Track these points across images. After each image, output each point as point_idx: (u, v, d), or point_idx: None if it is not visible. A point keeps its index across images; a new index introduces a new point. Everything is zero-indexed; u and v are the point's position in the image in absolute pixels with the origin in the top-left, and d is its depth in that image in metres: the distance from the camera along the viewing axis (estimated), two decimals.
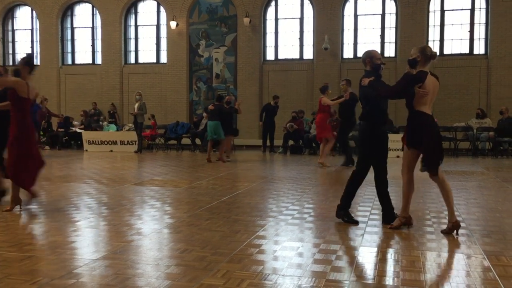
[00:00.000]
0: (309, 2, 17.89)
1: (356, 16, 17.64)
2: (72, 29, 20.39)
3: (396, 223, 5.27)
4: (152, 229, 5.21)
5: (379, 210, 5.72)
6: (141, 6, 19.66)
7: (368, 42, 17.42)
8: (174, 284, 3.49)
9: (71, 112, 19.29)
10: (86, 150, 16.57)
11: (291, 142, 16.24)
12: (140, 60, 19.80)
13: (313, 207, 6.50)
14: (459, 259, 4.25)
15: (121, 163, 12.70)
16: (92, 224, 5.45)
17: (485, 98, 16.48)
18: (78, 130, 17.92)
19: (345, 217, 5.51)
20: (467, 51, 16.88)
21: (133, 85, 18.99)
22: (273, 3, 18.30)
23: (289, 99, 17.41)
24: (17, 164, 6.05)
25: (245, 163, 12.86)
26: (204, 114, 16.19)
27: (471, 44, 16.83)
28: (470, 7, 16.76)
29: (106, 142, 16.69)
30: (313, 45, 17.84)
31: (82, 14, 20.28)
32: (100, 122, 18.41)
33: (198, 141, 16.70)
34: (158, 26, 19.47)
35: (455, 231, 4.94)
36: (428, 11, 16.99)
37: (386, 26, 17.45)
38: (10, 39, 21.02)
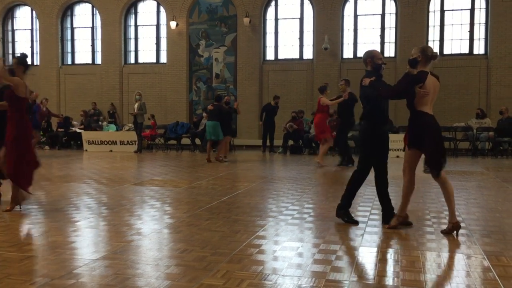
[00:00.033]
0: (309, 2, 17.89)
1: (356, 16, 17.64)
2: (72, 29, 20.38)
3: (393, 222, 5.28)
4: (152, 229, 5.21)
5: (379, 210, 5.72)
6: (141, 6, 19.66)
7: (368, 42, 17.41)
8: (174, 284, 3.49)
9: (71, 112, 19.29)
10: (86, 150, 16.56)
11: (291, 142, 16.25)
12: (140, 60, 19.80)
13: (313, 207, 6.50)
14: (459, 259, 4.25)
15: (121, 163, 12.70)
16: (92, 224, 5.45)
17: (485, 98, 16.48)
18: (78, 130, 17.92)
19: (345, 217, 5.51)
20: (467, 51, 16.88)
21: (133, 85, 18.98)
22: (273, 3, 18.30)
23: (289, 99, 17.41)
24: (17, 164, 6.05)
25: (245, 163, 12.86)
26: (204, 114, 16.19)
27: (471, 44, 16.83)
28: (470, 7, 16.76)
29: (105, 142, 16.69)
30: (313, 45, 17.84)
31: (82, 14, 20.28)
32: (100, 122, 18.41)
33: (198, 141, 16.70)
34: (158, 26, 19.47)
35: (455, 232, 4.94)
36: (428, 11, 16.99)
37: (386, 26, 17.45)
38: (10, 39, 21.01)
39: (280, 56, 18.37)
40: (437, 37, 17.06)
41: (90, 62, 20.25)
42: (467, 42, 16.87)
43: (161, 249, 4.47)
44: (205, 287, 3.44)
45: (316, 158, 11.69)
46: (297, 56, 18.22)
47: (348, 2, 17.64)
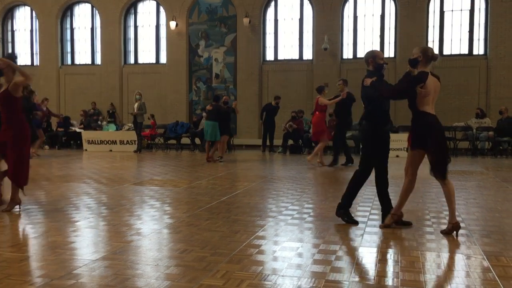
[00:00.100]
0: (308, 2, 17.89)
1: (355, 16, 17.64)
2: (72, 29, 20.38)
3: (388, 220, 5.30)
4: (151, 229, 5.21)
5: (379, 210, 5.72)
6: (140, 7, 19.65)
7: (368, 42, 17.42)
8: (173, 285, 3.49)
9: (71, 112, 19.27)
10: (86, 150, 16.56)
11: (290, 142, 16.25)
12: (140, 60, 19.80)
13: (312, 207, 6.50)
14: (459, 259, 4.26)
15: (121, 163, 12.70)
16: (91, 224, 5.45)
17: (485, 98, 16.49)
18: (78, 130, 17.91)
19: (345, 217, 5.51)
20: (466, 51, 16.88)
21: (133, 85, 18.97)
22: (272, 4, 18.30)
23: (289, 99, 17.40)
24: (17, 164, 6.05)
25: (244, 162, 12.86)
26: (204, 114, 16.18)
27: (470, 44, 16.83)
28: (469, 8, 16.76)
29: (105, 142, 16.68)
30: (313, 46, 17.83)
31: (82, 14, 20.27)
32: (99, 122, 18.41)
33: (197, 140, 16.70)
34: (157, 27, 19.46)
35: (454, 232, 4.94)
36: (428, 12, 16.99)
37: (385, 26, 17.45)
38: (9, 39, 21.00)
39: (279, 57, 18.37)
40: (437, 38, 17.06)
41: (90, 62, 20.25)
42: (466, 43, 16.87)
43: (160, 249, 4.47)
44: None
45: (317, 160, 11.69)
46: (297, 57, 18.22)
47: (347, 2, 17.64)
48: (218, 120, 12.45)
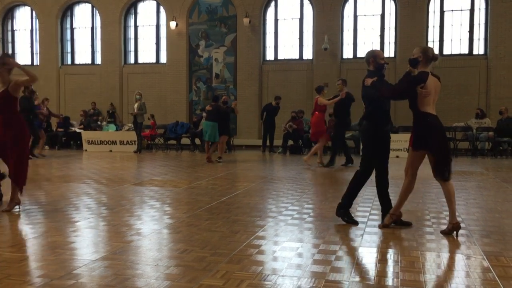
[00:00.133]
0: (308, 2, 17.89)
1: (355, 16, 17.64)
2: (72, 29, 20.38)
3: (387, 220, 5.31)
4: (151, 229, 5.21)
5: (379, 211, 5.72)
6: (140, 7, 19.66)
7: (368, 42, 17.43)
8: (173, 285, 3.49)
9: (71, 112, 19.27)
10: (86, 150, 16.55)
11: (290, 142, 16.25)
12: (140, 60, 19.80)
13: (312, 208, 6.50)
14: (459, 259, 4.26)
15: (121, 163, 12.69)
16: (91, 224, 5.45)
17: (485, 98, 16.49)
18: (78, 130, 17.91)
19: (345, 217, 5.51)
20: (466, 51, 16.88)
21: (133, 85, 18.97)
22: (272, 4, 18.30)
23: (289, 99, 17.40)
24: (17, 164, 6.06)
25: (244, 163, 12.86)
26: (204, 114, 16.19)
27: (470, 44, 16.84)
28: (469, 8, 16.77)
29: (105, 142, 16.68)
30: (313, 46, 17.83)
31: (82, 14, 20.28)
32: (98, 122, 18.41)
33: (197, 141, 16.70)
34: (157, 27, 19.47)
35: (454, 232, 4.94)
36: (428, 12, 16.99)
37: (385, 26, 17.45)
38: (9, 39, 21.00)
39: (280, 57, 18.38)
40: (437, 38, 17.06)
41: (90, 62, 20.25)
42: (466, 43, 16.87)
43: (160, 249, 4.47)
44: None
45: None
46: (297, 57, 18.22)
47: (347, 2, 17.65)
48: (217, 120, 12.44)
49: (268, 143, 16.32)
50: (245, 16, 17.94)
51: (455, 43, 16.96)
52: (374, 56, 5.49)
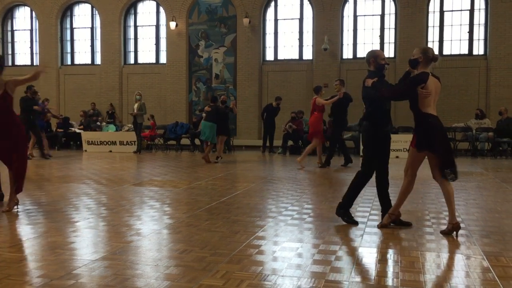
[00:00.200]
0: (308, 2, 17.89)
1: (355, 16, 17.64)
2: (72, 29, 20.38)
3: (385, 220, 5.31)
4: (151, 229, 5.20)
5: (379, 211, 5.72)
6: (140, 7, 19.66)
7: (368, 42, 17.43)
8: (173, 285, 3.49)
9: (71, 112, 19.27)
10: (85, 151, 16.55)
11: (290, 143, 16.26)
12: (140, 61, 19.80)
13: (312, 208, 6.50)
14: (459, 259, 4.26)
15: (120, 164, 12.69)
16: (91, 224, 5.45)
17: (484, 98, 16.50)
18: (77, 131, 17.91)
19: (345, 217, 5.51)
20: (466, 51, 16.89)
21: (133, 86, 18.98)
22: (272, 4, 18.30)
23: (289, 100, 17.40)
24: (20, 164, 6.07)
25: (244, 163, 12.86)
26: (204, 115, 16.20)
27: (470, 45, 16.84)
28: (469, 8, 16.77)
29: (105, 143, 16.68)
30: (313, 46, 17.84)
31: (82, 14, 20.28)
32: (98, 123, 18.41)
33: (197, 141, 16.70)
34: (157, 27, 19.47)
35: (454, 232, 4.94)
36: (428, 12, 17.00)
37: (385, 26, 17.45)
38: (9, 39, 21.01)
39: (279, 57, 18.38)
40: (437, 38, 17.07)
41: (90, 62, 20.25)
42: (466, 43, 16.88)
43: (160, 249, 4.47)
44: None
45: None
46: (297, 57, 18.22)
47: (347, 2, 17.65)
48: (216, 121, 12.45)
49: (268, 144, 16.32)
50: (245, 16, 17.95)
51: (455, 44, 16.97)
52: (375, 57, 5.48)
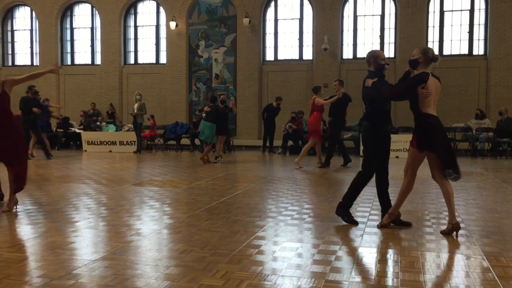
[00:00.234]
0: (308, 2, 17.89)
1: (355, 16, 17.64)
2: (72, 29, 20.38)
3: (385, 220, 5.32)
4: (151, 229, 5.20)
5: (379, 211, 5.72)
6: (140, 7, 19.66)
7: (368, 42, 17.43)
8: (173, 285, 3.49)
9: (71, 112, 19.26)
10: (85, 151, 16.56)
11: (290, 143, 16.26)
12: (140, 61, 19.80)
13: (312, 208, 6.50)
14: (459, 259, 4.26)
15: (120, 164, 12.69)
16: (91, 224, 5.45)
17: (484, 98, 16.50)
18: (77, 131, 17.91)
19: (345, 217, 5.51)
20: (466, 52, 16.89)
21: (133, 86, 18.98)
22: (272, 4, 18.30)
23: (289, 100, 17.41)
24: (19, 164, 6.08)
25: (244, 163, 12.86)
26: (204, 115, 16.20)
27: (470, 45, 16.84)
28: (469, 8, 16.77)
29: (105, 143, 16.68)
30: (313, 46, 17.84)
31: (82, 14, 20.27)
32: (98, 123, 18.41)
33: (197, 141, 16.69)
34: (157, 27, 19.47)
35: (454, 232, 4.94)
36: (428, 12, 17.00)
37: (385, 26, 17.46)
38: (9, 39, 21.01)
39: (279, 57, 18.38)
40: (437, 38, 17.07)
41: (90, 62, 20.25)
42: (466, 43, 16.88)
43: (160, 249, 4.47)
44: None
45: (296, 159, 11.67)
46: (297, 57, 18.22)
47: (347, 2, 17.65)
48: (215, 121, 12.44)
49: (268, 144, 16.33)
50: (245, 16, 17.95)
51: (455, 44, 16.97)
52: (375, 57, 5.48)
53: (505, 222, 5.67)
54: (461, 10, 16.86)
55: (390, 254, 4.38)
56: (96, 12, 19.76)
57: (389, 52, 17.31)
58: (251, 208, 6.41)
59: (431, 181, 5.28)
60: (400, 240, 4.83)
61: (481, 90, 16.52)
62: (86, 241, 4.76)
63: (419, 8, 16.81)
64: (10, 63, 20.86)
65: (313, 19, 17.82)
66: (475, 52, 16.83)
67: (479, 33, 16.78)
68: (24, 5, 20.47)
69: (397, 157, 12.99)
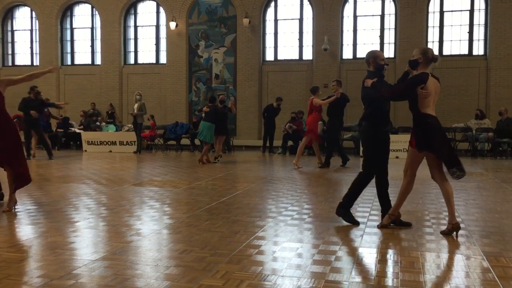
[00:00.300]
0: (308, 3, 17.89)
1: (355, 17, 17.65)
2: (72, 29, 20.38)
3: (385, 220, 5.32)
4: (151, 229, 5.21)
5: (379, 211, 5.73)
6: (140, 7, 19.66)
7: (368, 43, 17.43)
8: (173, 285, 3.49)
9: (71, 112, 19.26)
10: (85, 151, 16.56)
11: (290, 143, 16.26)
12: (140, 61, 19.80)
13: (312, 208, 6.50)
14: (459, 260, 4.26)
15: (120, 164, 12.69)
16: (91, 224, 5.45)
17: (484, 99, 16.50)
18: (77, 131, 17.92)
19: (345, 217, 5.51)
20: (466, 52, 16.90)
21: (133, 86, 18.98)
22: (272, 4, 18.31)
23: (289, 100, 17.41)
24: (18, 163, 6.08)
25: (244, 163, 12.86)
26: (203, 115, 16.20)
27: (470, 45, 16.85)
28: (469, 8, 16.78)
29: (105, 143, 16.69)
30: (313, 46, 17.84)
31: (82, 14, 20.28)
32: (98, 123, 18.41)
33: (197, 141, 16.69)
34: (157, 27, 19.47)
35: (454, 233, 4.94)
36: (428, 12, 17.01)
37: (385, 27, 17.46)
38: (9, 39, 21.01)
39: (279, 57, 18.38)
40: (437, 38, 17.08)
41: (90, 62, 20.25)
42: (466, 43, 16.89)
43: (160, 249, 4.47)
44: None
45: (294, 160, 11.67)
46: (297, 57, 18.23)
47: (347, 3, 17.66)
48: (215, 121, 12.44)
49: (268, 144, 16.33)
50: (245, 17, 17.95)
51: (455, 44, 16.97)
52: (375, 57, 5.48)
53: (505, 222, 5.67)
54: (461, 11, 16.86)
55: (390, 254, 4.38)
56: (96, 12, 19.77)
57: (389, 52, 17.31)
58: (251, 208, 6.42)
59: (431, 181, 5.28)
60: (400, 240, 4.83)
61: (481, 90, 16.52)
62: (86, 241, 4.76)
63: (419, 9, 16.81)
64: (10, 63, 20.86)
65: (313, 19, 17.83)
66: (475, 52, 16.83)
67: (479, 33, 16.78)
68: (24, 5, 20.48)
69: (397, 157, 12.99)
